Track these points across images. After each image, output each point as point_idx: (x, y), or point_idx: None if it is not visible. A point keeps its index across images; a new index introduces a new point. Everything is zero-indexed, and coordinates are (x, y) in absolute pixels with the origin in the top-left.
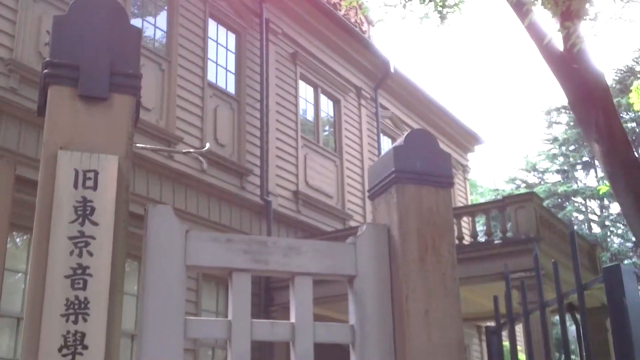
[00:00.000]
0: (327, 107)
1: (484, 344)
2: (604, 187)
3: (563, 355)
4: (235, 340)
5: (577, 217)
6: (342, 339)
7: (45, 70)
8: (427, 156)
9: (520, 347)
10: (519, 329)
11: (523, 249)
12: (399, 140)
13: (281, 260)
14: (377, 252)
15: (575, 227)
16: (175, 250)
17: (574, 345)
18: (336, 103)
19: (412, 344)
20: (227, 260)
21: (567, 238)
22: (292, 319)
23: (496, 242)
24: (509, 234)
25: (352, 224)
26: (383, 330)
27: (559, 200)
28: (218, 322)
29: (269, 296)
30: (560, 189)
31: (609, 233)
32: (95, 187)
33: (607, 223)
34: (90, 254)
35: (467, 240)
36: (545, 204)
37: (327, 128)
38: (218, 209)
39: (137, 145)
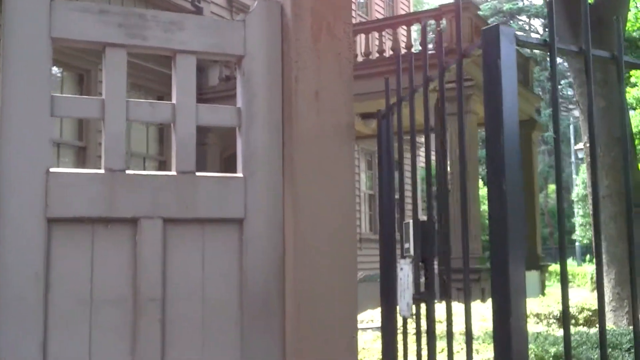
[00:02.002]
0: None
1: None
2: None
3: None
4: (109, 120)
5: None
6: (227, 121)
7: None
8: None
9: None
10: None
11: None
12: None
13: (161, 35)
14: (268, 31)
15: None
16: (39, 21)
17: None
18: None
19: (301, 125)
20: (99, 33)
21: None
22: (173, 100)
23: (431, 52)
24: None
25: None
26: (271, 112)
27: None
28: (89, 100)
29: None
30: (506, 7)
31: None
32: None
33: (547, 40)
34: None
35: (403, 51)
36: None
37: None
38: None
39: None
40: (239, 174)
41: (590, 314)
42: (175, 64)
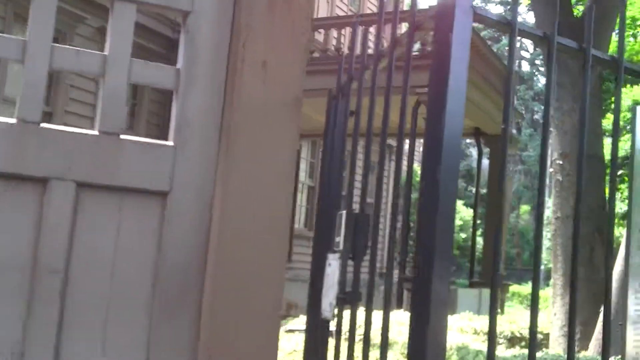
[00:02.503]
0: None
1: (393, 164)
2: None
3: None
4: (29, 64)
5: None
6: (163, 82)
7: None
8: None
9: None
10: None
11: None
12: None
13: None
14: None
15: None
16: None
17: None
18: None
19: (243, 95)
20: None
21: (484, 58)
22: (106, 51)
23: (414, 53)
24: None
25: None
26: (213, 78)
27: (496, 33)
28: (11, 41)
29: None
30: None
31: (535, 72)
32: None
33: (536, 62)
34: None
35: None
36: (482, 34)
37: None
38: None
39: None
40: (169, 142)
41: (542, 337)
42: (112, 12)
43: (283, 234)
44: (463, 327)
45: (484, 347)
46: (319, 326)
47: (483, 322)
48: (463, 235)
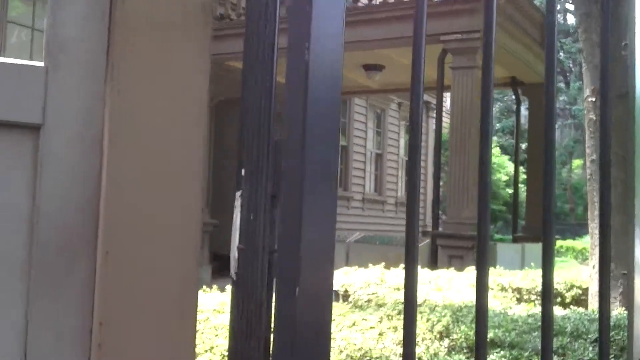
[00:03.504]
0: None
1: (431, 121)
2: None
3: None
4: None
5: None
6: None
7: None
8: None
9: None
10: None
11: (463, 9)
12: None
13: None
14: None
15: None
16: None
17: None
18: None
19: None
20: None
21: (517, 6)
22: None
23: None
24: None
25: None
26: None
27: None
28: None
29: None
30: None
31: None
32: None
33: (577, 28)
34: None
35: None
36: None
37: None
38: None
39: None
40: (39, 63)
41: (580, 292)
42: None
43: (194, 183)
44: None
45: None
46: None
47: (514, 277)
48: (510, 191)
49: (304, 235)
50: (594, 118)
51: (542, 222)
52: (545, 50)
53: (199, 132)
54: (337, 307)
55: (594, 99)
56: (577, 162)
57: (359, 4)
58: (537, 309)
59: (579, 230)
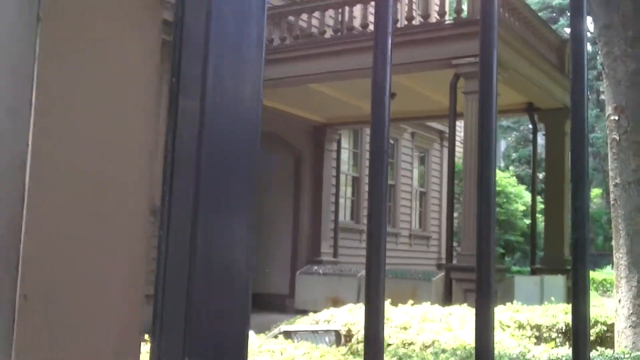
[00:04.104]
0: None
1: (446, 150)
2: None
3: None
4: None
5: (569, 32)
6: None
7: None
8: None
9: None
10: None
11: (474, 31)
12: None
13: None
14: None
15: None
16: None
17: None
18: None
19: None
20: None
21: (534, 29)
22: None
23: (447, 22)
24: (464, 15)
25: None
26: None
27: (553, 14)
28: None
29: None
30: (555, 2)
31: (598, 51)
32: None
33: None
34: None
35: (417, 20)
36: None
37: None
38: None
39: None
40: None
41: (606, 329)
42: None
43: (138, 200)
44: (502, 320)
45: (520, 345)
46: None
47: (532, 313)
48: (527, 221)
49: None
50: (617, 138)
51: (572, 254)
52: (571, 80)
53: (151, 141)
54: (331, 355)
55: (616, 117)
56: (595, 191)
57: (368, 30)
58: (560, 351)
59: (599, 260)
